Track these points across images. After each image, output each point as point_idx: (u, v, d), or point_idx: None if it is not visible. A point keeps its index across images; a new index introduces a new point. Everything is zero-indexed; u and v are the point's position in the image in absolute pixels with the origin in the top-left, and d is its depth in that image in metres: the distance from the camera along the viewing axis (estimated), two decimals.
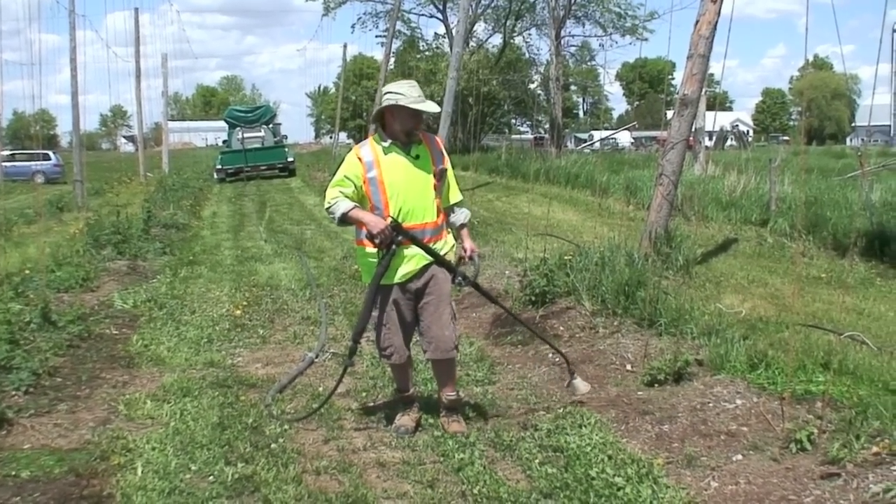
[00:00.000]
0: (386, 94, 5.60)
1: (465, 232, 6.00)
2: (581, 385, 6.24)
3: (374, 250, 5.52)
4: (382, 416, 6.08)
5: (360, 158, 5.58)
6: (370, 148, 5.64)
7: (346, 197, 5.50)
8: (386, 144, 5.60)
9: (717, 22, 10.34)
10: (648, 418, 5.78)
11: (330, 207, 5.55)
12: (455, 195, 5.93)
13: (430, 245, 5.61)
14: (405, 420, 5.84)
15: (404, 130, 5.58)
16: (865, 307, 8.92)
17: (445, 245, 5.76)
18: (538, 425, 5.78)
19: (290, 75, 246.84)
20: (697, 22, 10.39)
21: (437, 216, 5.71)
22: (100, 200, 23.98)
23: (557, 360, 7.32)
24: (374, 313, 5.76)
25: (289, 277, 12.02)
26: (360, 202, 5.55)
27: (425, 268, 5.64)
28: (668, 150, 10.59)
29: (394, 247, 5.44)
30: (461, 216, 5.96)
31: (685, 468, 4.99)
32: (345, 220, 5.50)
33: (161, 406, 6.26)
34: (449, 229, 5.92)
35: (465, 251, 5.93)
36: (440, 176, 5.69)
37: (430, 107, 5.65)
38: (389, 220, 5.43)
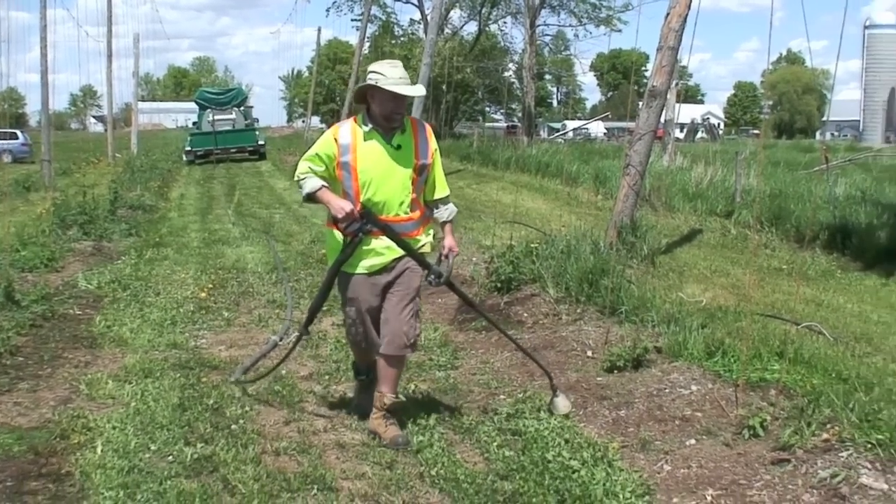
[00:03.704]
0: (369, 72, 5.24)
1: (448, 228, 5.61)
2: (562, 404, 5.76)
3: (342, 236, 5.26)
4: (344, 398, 6.11)
5: (336, 139, 5.24)
6: (350, 130, 5.28)
7: (317, 175, 5.25)
8: (367, 129, 5.24)
9: (687, 15, 10.42)
10: (606, 403, 5.87)
11: (298, 182, 5.34)
12: (440, 190, 5.55)
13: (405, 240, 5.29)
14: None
15: (382, 114, 5.21)
16: (825, 299, 9.06)
17: (418, 243, 5.39)
18: (498, 409, 5.84)
19: (264, 58, 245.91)
20: (668, 14, 10.47)
21: (414, 211, 5.36)
22: (67, 180, 23.79)
23: (517, 341, 7.39)
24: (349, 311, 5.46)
25: (255, 261, 12.01)
26: (332, 183, 5.26)
27: (396, 261, 5.30)
28: (636, 141, 10.69)
29: (360, 235, 5.17)
30: (445, 213, 5.57)
31: (639, 452, 5.09)
32: (311, 198, 5.27)
33: (122, 386, 6.25)
34: (433, 225, 5.61)
35: (444, 248, 5.52)
36: (421, 171, 5.33)
37: (414, 90, 5.29)
38: (360, 207, 5.15)
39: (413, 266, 5.34)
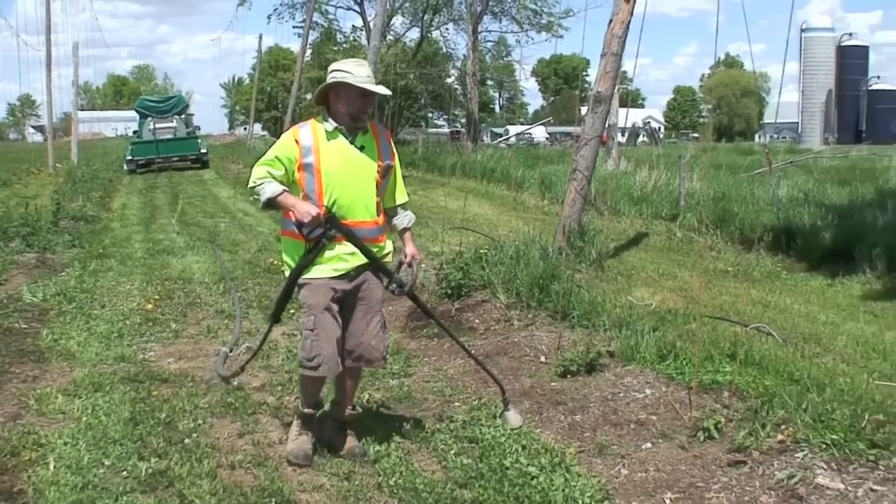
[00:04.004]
0: (332, 71, 5.06)
1: (408, 236, 5.41)
2: (513, 418, 5.66)
3: (303, 243, 4.98)
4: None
5: (297, 141, 5.00)
6: (311, 130, 5.05)
7: (275, 179, 4.95)
8: (330, 129, 5.04)
9: (630, 21, 10.53)
10: (561, 408, 5.90)
11: (255, 188, 4.98)
12: (401, 195, 5.40)
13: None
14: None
15: (350, 113, 5.02)
16: (771, 300, 9.19)
17: (382, 250, 5.22)
18: (454, 417, 5.84)
19: (204, 65, 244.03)
20: (611, 21, 10.55)
21: (378, 215, 5.18)
22: (8, 192, 23.29)
23: (473, 352, 7.41)
24: (307, 321, 5.06)
25: (202, 271, 11.86)
26: (290, 188, 4.98)
27: (358, 269, 5.09)
28: (582, 146, 10.75)
29: (324, 240, 4.92)
30: (405, 219, 5.41)
31: (596, 456, 5.12)
32: (271, 204, 4.95)
33: (72, 401, 6.14)
34: (390, 233, 5.40)
35: (406, 256, 5.33)
36: (385, 172, 5.15)
37: (381, 89, 5.16)
38: (324, 210, 4.91)
39: (371, 277, 5.19)
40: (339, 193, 4.99)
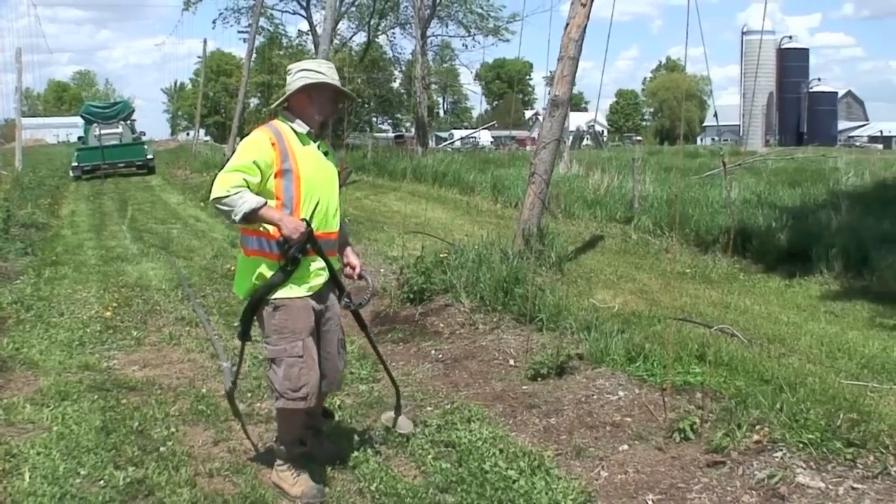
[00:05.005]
0: (301, 71, 4.66)
1: (349, 247, 5.12)
2: (404, 424, 5.55)
3: (276, 263, 4.53)
4: (270, 414, 6.00)
5: (273, 144, 4.48)
6: (281, 132, 4.57)
7: (250, 188, 4.39)
8: (303, 131, 4.62)
9: (586, 25, 10.60)
10: (535, 412, 5.92)
11: (229, 198, 4.32)
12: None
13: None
14: (305, 482, 4.79)
15: (321, 116, 4.67)
16: (731, 301, 9.30)
17: (337, 263, 4.89)
18: (427, 421, 5.84)
19: (145, 70, 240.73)
20: (568, 25, 10.62)
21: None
22: None
23: (440, 356, 7.43)
24: (285, 347, 4.61)
25: (159, 277, 11.72)
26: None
27: (327, 285, 4.75)
28: (540, 150, 10.81)
29: (299, 256, 4.48)
30: (345, 230, 5.08)
31: (574, 459, 5.15)
32: (248, 218, 4.35)
33: (41, 410, 6.05)
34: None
35: (355, 268, 5.01)
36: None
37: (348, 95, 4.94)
38: (304, 223, 4.47)
39: (332, 295, 4.86)
40: (317, 202, 4.60)
